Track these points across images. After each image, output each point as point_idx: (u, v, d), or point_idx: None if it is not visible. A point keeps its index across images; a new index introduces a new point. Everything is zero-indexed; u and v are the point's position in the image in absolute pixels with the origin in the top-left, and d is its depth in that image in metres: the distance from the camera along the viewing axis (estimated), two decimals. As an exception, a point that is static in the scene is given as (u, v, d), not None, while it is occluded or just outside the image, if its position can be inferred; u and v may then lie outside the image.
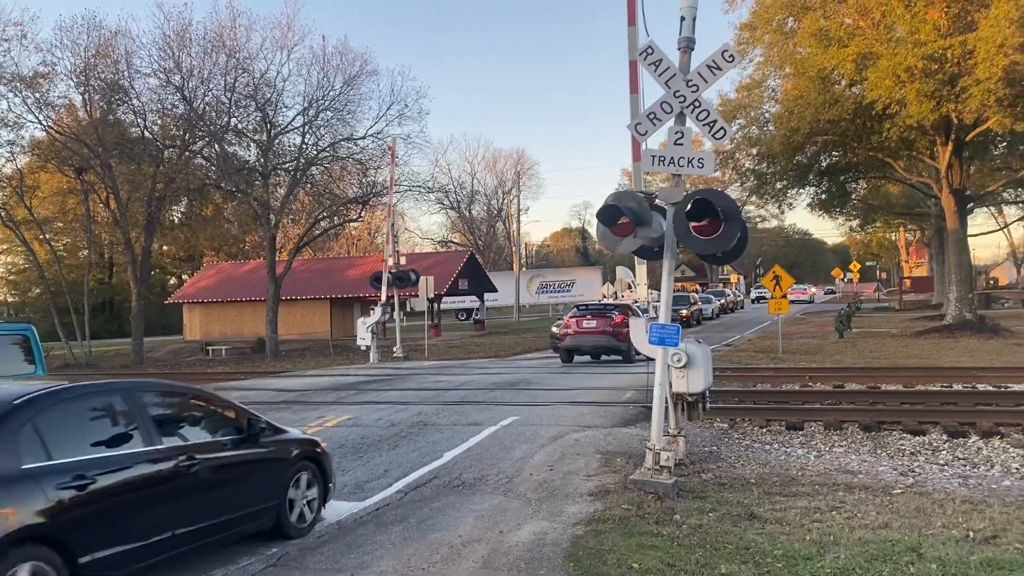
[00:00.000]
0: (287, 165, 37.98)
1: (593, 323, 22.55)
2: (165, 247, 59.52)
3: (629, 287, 31.82)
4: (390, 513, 7.73)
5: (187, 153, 37.14)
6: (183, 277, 64.07)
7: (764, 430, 12.43)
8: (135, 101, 36.58)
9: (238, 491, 6.59)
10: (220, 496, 6.36)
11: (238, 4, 63.42)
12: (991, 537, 6.45)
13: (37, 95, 35.30)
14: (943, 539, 6.42)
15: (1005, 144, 35.30)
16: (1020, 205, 48.87)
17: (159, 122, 39.00)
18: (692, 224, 8.34)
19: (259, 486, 6.84)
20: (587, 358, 23.68)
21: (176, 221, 50.44)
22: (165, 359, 40.31)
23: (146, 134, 37.49)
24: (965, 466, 10.12)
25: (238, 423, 6.87)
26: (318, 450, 7.70)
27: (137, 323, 37.18)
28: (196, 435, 6.46)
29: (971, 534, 6.54)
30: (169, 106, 37.20)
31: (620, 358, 22.51)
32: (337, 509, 7.85)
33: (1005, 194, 45.07)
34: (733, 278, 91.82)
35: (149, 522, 5.64)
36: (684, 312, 39.84)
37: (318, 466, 7.58)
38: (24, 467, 4.95)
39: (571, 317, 23.39)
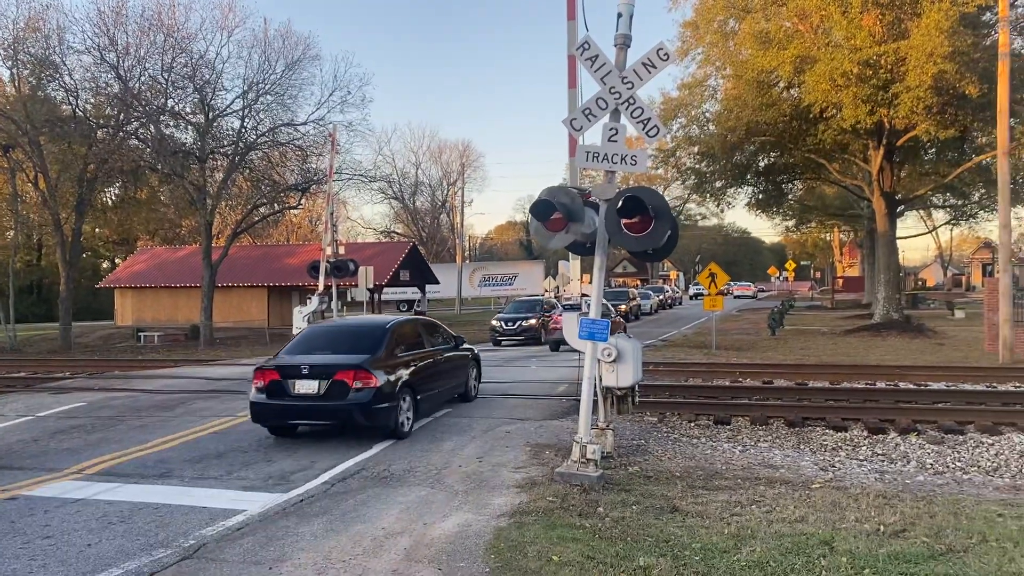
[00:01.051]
0: (225, 149, 37.19)
1: None
2: (97, 229, 57.82)
3: (570, 281, 32.10)
4: (314, 505, 7.64)
5: (121, 134, 36.00)
6: (116, 261, 62.33)
7: (692, 424, 12.65)
8: (67, 78, 35.40)
9: (453, 373, 13.12)
10: (448, 375, 12.85)
11: (178, -18, 61.46)
12: (900, 531, 6.66)
13: (-39, 68, 33.95)
14: (855, 533, 6.61)
15: (934, 150, 36.42)
16: (948, 209, 50.49)
17: (92, 100, 37.81)
18: (623, 221, 8.40)
19: (459, 372, 13.41)
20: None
21: (109, 203, 49.02)
22: (94, 344, 39.17)
23: (78, 112, 36.25)
24: (883, 461, 10.44)
25: (450, 339, 13.26)
26: (477, 353, 14.43)
27: (65, 307, 36.04)
28: (439, 343, 12.74)
29: (882, 528, 6.74)
30: (103, 84, 36.10)
31: None
32: (260, 500, 7.73)
33: (934, 198, 46.54)
34: (672, 274, 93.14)
35: (431, 383, 11.92)
36: (623, 307, 40.24)
37: (477, 363, 14.38)
38: (399, 356, 11.08)
39: (560, 315, 27.37)
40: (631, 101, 8.65)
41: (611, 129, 8.69)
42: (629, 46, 8.82)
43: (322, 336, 11.67)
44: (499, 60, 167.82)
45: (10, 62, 34.93)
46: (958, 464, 10.39)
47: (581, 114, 8.88)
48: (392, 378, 10.48)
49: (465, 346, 13.71)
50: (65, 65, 35.06)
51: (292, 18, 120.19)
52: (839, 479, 8.91)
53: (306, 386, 10.23)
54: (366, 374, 10.11)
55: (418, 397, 11.22)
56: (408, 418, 10.82)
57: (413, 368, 11.19)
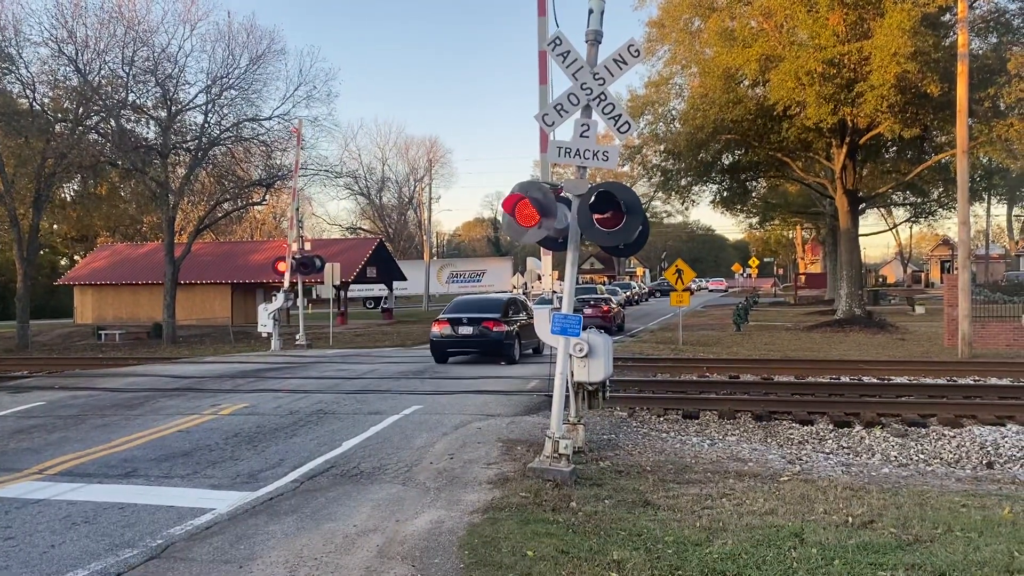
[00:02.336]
0: (188, 144, 36.62)
1: (590, 311, 34.98)
2: (55, 226, 56.66)
3: (539, 278, 32.26)
4: (284, 503, 7.54)
5: (80, 128, 35.25)
6: (75, 258, 61.10)
7: (661, 419, 12.73)
8: (23, 71, 34.53)
9: (531, 335, 19.14)
10: (530, 333, 19.29)
11: (139, -26, 60.35)
12: (868, 522, 6.75)
13: (-88, 60, 32.95)
14: (824, 524, 6.68)
15: (895, 149, 37.05)
16: (908, 207, 51.43)
17: (50, 94, 36.97)
18: (596, 216, 8.42)
19: (534, 334, 17.02)
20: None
21: (68, 199, 48.03)
22: (53, 343, 38.39)
23: (35, 106, 35.42)
24: (849, 454, 10.60)
25: (531, 313, 20.10)
26: None
27: (23, 305, 35.20)
28: (523, 315, 20.52)
29: (850, 519, 6.83)
30: (61, 78, 35.37)
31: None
32: (229, 499, 7.62)
33: (894, 196, 47.37)
34: (639, 271, 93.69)
35: (524, 335, 19.94)
36: (605, 306, 40.32)
37: None
38: (510, 317, 19.75)
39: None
40: (602, 97, 8.66)
41: (583, 125, 8.69)
42: (600, 42, 8.83)
43: (466, 304, 20.87)
44: (467, 56, 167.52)
45: (-37, 54, 34.03)
46: (921, 456, 10.58)
47: (553, 110, 8.87)
48: (508, 328, 19.24)
49: None
50: (21, 57, 34.24)
51: (256, 12, 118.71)
52: (807, 472, 9.02)
53: (465, 329, 19.13)
54: (499, 323, 19.05)
55: (521, 342, 19.89)
56: (517, 353, 19.62)
57: (516, 325, 19.76)
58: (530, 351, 21.40)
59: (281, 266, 27.01)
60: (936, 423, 12.24)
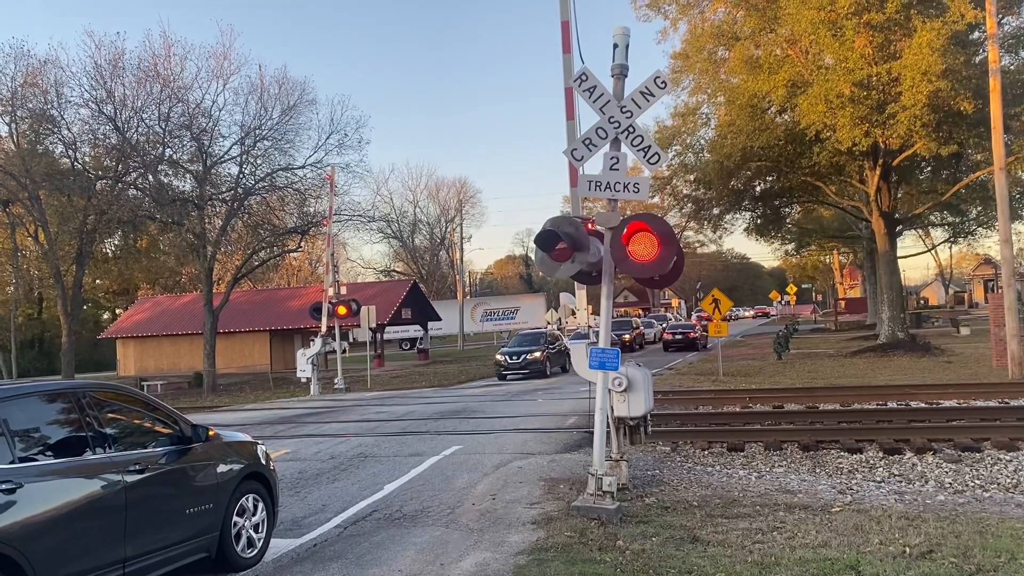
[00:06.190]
0: (224, 195, 37.33)
1: (679, 332, 42.21)
2: (98, 280, 57.83)
3: (573, 313, 32.28)
4: (328, 549, 7.51)
5: (120, 184, 36.15)
6: (117, 311, 62.28)
7: (706, 452, 12.50)
8: (65, 131, 35.55)
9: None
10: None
11: (172, 33, 62.39)
12: (927, 552, 6.52)
13: (-40, 125, 34.11)
14: (881, 556, 6.47)
15: (930, 168, 36.57)
16: (946, 227, 50.59)
17: (91, 153, 37.97)
18: (629, 248, 8.37)
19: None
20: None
21: (109, 254, 49.08)
22: (97, 396, 38.89)
23: (77, 165, 36.39)
24: (901, 482, 10.29)
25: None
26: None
27: (68, 360, 35.84)
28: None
29: (907, 550, 6.61)
30: (101, 136, 36.29)
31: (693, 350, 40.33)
32: (273, 547, 7.59)
33: (932, 217, 46.64)
34: (674, 302, 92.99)
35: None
36: (626, 336, 40.16)
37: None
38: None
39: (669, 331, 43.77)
40: (631, 130, 8.66)
41: (612, 158, 8.70)
42: (626, 75, 8.86)
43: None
44: (494, 97, 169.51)
45: (8, 118, 35.13)
46: (977, 482, 10.24)
47: (581, 144, 8.89)
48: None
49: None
50: (63, 119, 35.27)
51: (287, 63, 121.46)
52: (858, 502, 8.77)
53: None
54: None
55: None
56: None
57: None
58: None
59: (341, 310, 27.64)
60: (991, 447, 11.85)
